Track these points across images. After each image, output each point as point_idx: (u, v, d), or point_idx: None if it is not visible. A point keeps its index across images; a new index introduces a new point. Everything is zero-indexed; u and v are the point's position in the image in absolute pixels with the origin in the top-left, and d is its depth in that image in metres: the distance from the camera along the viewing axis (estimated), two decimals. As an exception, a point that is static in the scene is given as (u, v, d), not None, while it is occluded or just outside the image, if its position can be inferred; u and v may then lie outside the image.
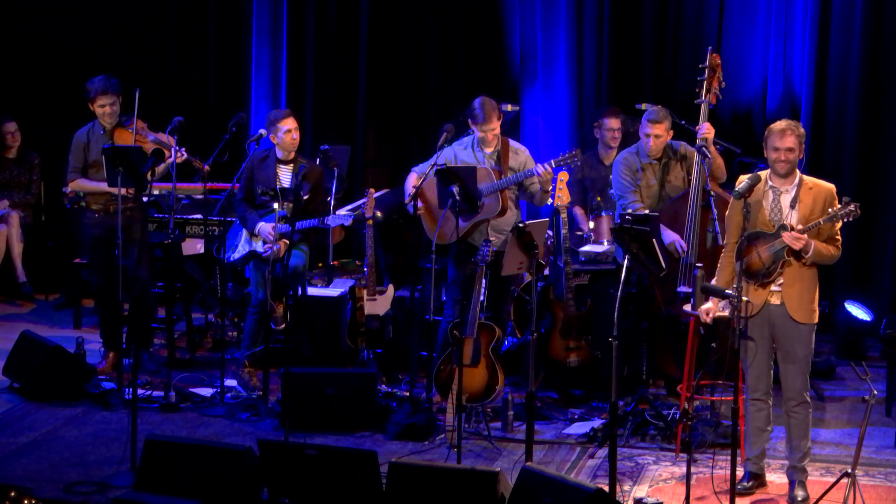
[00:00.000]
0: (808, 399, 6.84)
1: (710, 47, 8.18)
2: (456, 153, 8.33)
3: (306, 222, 8.38)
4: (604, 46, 10.36)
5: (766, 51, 10.00)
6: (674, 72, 10.28)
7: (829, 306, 9.61)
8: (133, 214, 8.65)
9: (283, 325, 8.77)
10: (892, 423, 8.07)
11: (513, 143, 8.45)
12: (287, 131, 8.52)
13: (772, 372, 6.92)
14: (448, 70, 10.84)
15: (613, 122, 9.40)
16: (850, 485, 6.43)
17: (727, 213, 6.91)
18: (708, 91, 8.06)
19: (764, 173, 6.78)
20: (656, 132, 8.25)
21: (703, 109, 8.07)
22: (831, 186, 6.73)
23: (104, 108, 8.69)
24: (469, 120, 8.30)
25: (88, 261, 9.15)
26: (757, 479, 6.97)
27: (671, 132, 8.34)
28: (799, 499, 6.81)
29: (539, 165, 8.14)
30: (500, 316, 8.45)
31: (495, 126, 8.26)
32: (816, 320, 6.79)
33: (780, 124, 6.72)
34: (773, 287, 6.72)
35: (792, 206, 6.68)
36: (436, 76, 10.86)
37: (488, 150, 8.32)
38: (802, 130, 6.73)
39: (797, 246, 6.57)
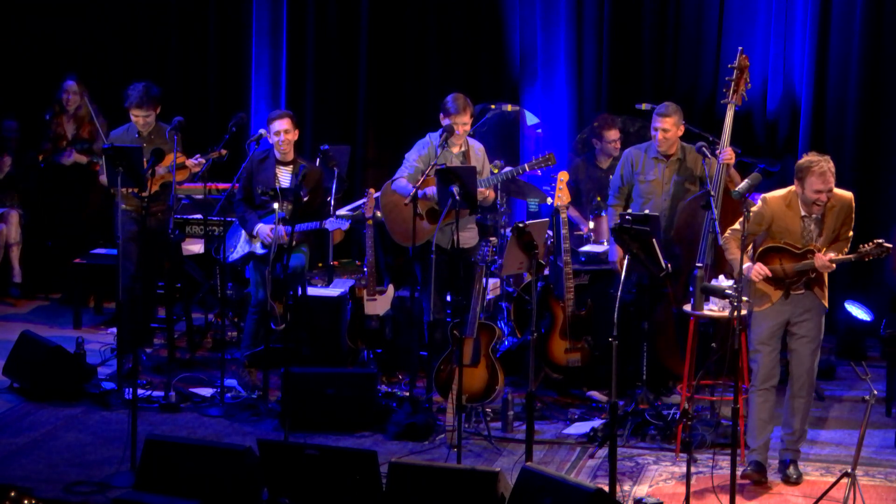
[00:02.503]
0: (814, 389, 7.04)
1: (740, 48, 8.14)
2: (424, 153, 8.29)
3: (305, 225, 8.37)
4: (604, 46, 10.35)
5: (766, 51, 9.99)
6: (674, 72, 10.28)
7: (828, 306, 9.60)
8: (164, 217, 8.71)
9: (283, 325, 8.77)
10: (892, 423, 8.07)
11: (472, 142, 8.49)
12: (276, 132, 8.45)
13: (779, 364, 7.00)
14: (448, 70, 10.83)
15: (612, 134, 9.49)
16: (850, 485, 6.43)
17: (754, 210, 6.89)
18: (735, 92, 8.02)
19: (788, 191, 6.86)
20: (664, 126, 8.25)
21: (729, 111, 8.03)
22: (849, 195, 6.90)
23: (137, 118, 8.84)
24: (441, 114, 8.29)
25: (121, 257, 9.07)
26: (759, 467, 6.97)
27: (682, 128, 8.33)
28: (794, 477, 6.88)
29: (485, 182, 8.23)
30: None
31: (468, 121, 8.29)
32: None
33: (820, 165, 6.73)
34: (798, 291, 6.94)
35: (818, 227, 6.86)
36: (436, 76, 10.86)
37: (455, 150, 8.33)
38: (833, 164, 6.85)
39: (826, 271, 6.84)
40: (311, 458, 6.53)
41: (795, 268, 6.82)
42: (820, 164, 6.73)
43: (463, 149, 8.39)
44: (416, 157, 8.35)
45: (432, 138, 8.37)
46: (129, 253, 8.66)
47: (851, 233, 6.91)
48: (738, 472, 6.81)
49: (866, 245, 6.72)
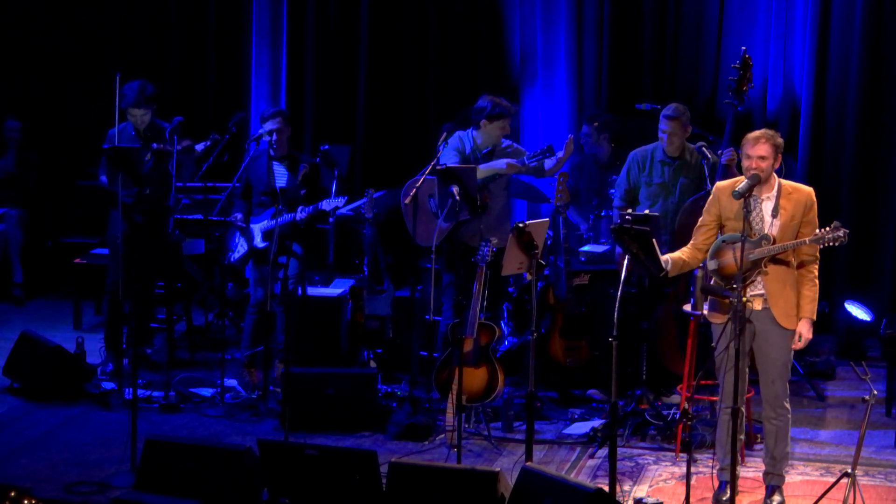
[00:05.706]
0: (788, 405, 6.75)
1: (743, 48, 8.13)
2: (459, 146, 8.25)
3: (304, 210, 8.39)
4: (604, 46, 10.36)
5: (766, 51, 9.99)
6: (674, 72, 10.28)
7: (829, 306, 9.61)
8: (165, 218, 8.72)
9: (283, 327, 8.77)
10: (892, 423, 8.08)
11: (509, 143, 8.44)
12: (269, 131, 8.53)
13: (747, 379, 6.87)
14: (448, 70, 10.84)
15: (585, 128, 9.51)
16: (850, 485, 6.43)
17: (708, 200, 6.83)
18: (738, 92, 8.01)
19: (740, 178, 6.72)
20: (672, 129, 8.24)
21: (732, 111, 8.02)
22: (809, 190, 6.66)
23: (134, 118, 8.83)
24: (482, 120, 8.13)
25: (109, 255, 9.07)
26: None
27: (689, 128, 8.33)
28: (775, 503, 6.79)
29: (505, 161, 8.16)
30: (496, 315, 8.43)
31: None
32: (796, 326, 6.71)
33: (755, 133, 6.65)
34: (755, 291, 6.63)
35: (773, 215, 6.60)
36: (436, 76, 10.86)
37: (484, 150, 8.28)
38: (780, 140, 6.62)
39: (799, 347, 6.63)
40: (311, 458, 6.54)
41: (748, 257, 6.44)
42: (756, 132, 6.61)
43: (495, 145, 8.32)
44: (454, 149, 8.28)
45: (461, 136, 8.30)
46: (118, 253, 8.69)
47: (816, 271, 6.62)
48: (714, 477, 6.85)
49: (812, 211, 6.50)
